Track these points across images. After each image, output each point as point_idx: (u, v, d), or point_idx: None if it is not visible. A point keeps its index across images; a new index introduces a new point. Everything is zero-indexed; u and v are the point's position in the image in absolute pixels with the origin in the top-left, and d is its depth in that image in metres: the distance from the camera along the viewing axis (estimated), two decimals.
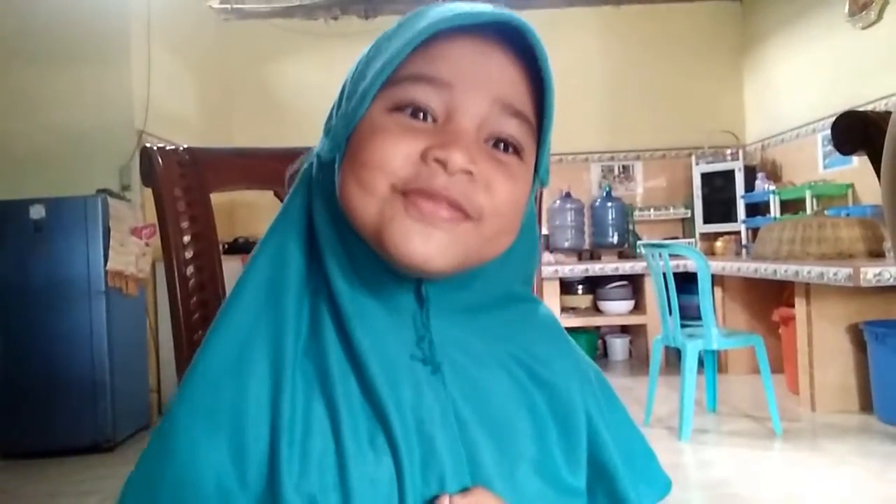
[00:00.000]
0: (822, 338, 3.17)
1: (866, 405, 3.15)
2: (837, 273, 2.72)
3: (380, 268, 0.46)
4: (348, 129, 0.46)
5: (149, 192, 0.68)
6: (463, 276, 0.47)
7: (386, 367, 0.45)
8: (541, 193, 0.78)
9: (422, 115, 0.45)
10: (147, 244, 3.36)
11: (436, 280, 0.47)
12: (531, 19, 0.44)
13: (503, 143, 0.46)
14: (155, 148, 0.69)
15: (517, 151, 0.47)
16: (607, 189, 4.93)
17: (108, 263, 3.13)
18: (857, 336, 3.13)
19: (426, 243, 0.43)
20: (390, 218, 0.43)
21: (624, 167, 5.13)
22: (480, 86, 0.45)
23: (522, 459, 0.48)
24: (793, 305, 3.31)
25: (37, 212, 3.11)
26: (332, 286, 0.46)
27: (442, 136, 0.44)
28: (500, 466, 0.46)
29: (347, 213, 0.45)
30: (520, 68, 0.46)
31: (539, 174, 0.50)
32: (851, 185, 3.83)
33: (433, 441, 0.44)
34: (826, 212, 3.61)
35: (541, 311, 0.55)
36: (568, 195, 4.81)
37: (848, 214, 3.54)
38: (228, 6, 4.82)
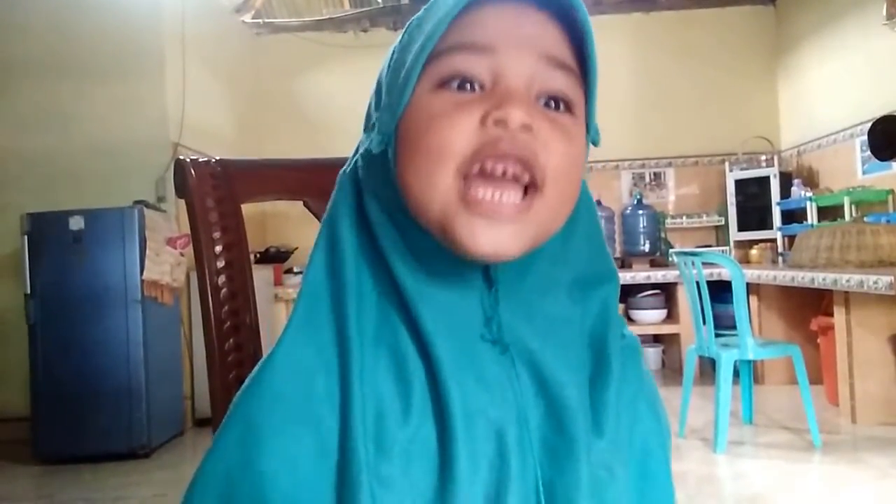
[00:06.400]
0: (863, 347, 3.08)
1: None
2: (878, 281, 2.65)
3: (445, 256, 0.46)
4: (396, 117, 0.46)
5: (183, 203, 0.69)
6: (526, 258, 0.46)
7: (454, 349, 0.45)
8: None
9: (469, 85, 0.44)
10: (182, 254, 3.41)
11: (504, 262, 0.47)
12: None
13: (554, 101, 0.46)
14: (188, 160, 0.70)
15: (569, 107, 0.46)
16: (638, 197, 4.88)
17: (144, 273, 3.19)
18: None
19: (495, 237, 0.43)
20: (455, 214, 0.43)
21: (655, 174, 5.08)
22: (523, 44, 0.44)
23: (589, 442, 0.47)
24: (831, 314, 3.23)
25: (76, 223, 3.19)
26: (396, 279, 0.46)
27: (495, 99, 0.44)
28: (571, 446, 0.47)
29: (410, 207, 0.45)
30: (557, 24, 0.45)
31: (590, 133, 0.49)
32: (891, 191, 3.74)
33: (500, 428, 0.45)
34: (865, 218, 3.52)
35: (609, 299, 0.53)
36: (598, 203, 4.76)
37: (888, 221, 3.46)
38: (260, 21, 4.90)
